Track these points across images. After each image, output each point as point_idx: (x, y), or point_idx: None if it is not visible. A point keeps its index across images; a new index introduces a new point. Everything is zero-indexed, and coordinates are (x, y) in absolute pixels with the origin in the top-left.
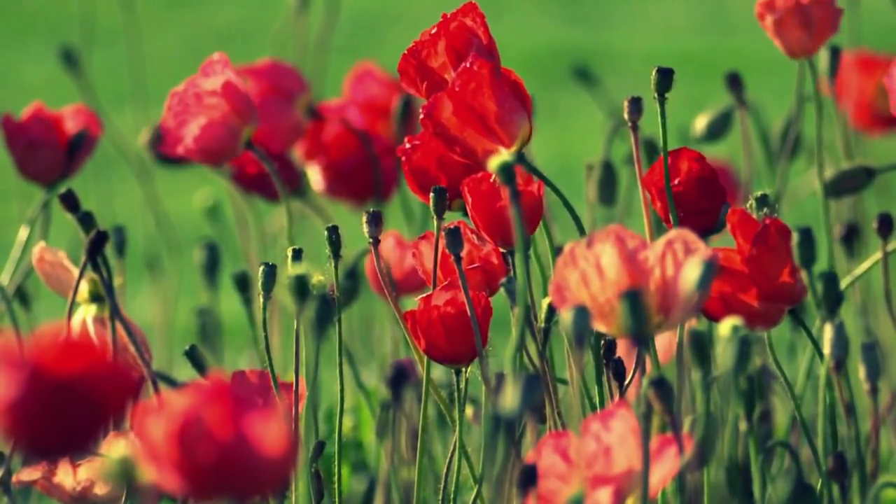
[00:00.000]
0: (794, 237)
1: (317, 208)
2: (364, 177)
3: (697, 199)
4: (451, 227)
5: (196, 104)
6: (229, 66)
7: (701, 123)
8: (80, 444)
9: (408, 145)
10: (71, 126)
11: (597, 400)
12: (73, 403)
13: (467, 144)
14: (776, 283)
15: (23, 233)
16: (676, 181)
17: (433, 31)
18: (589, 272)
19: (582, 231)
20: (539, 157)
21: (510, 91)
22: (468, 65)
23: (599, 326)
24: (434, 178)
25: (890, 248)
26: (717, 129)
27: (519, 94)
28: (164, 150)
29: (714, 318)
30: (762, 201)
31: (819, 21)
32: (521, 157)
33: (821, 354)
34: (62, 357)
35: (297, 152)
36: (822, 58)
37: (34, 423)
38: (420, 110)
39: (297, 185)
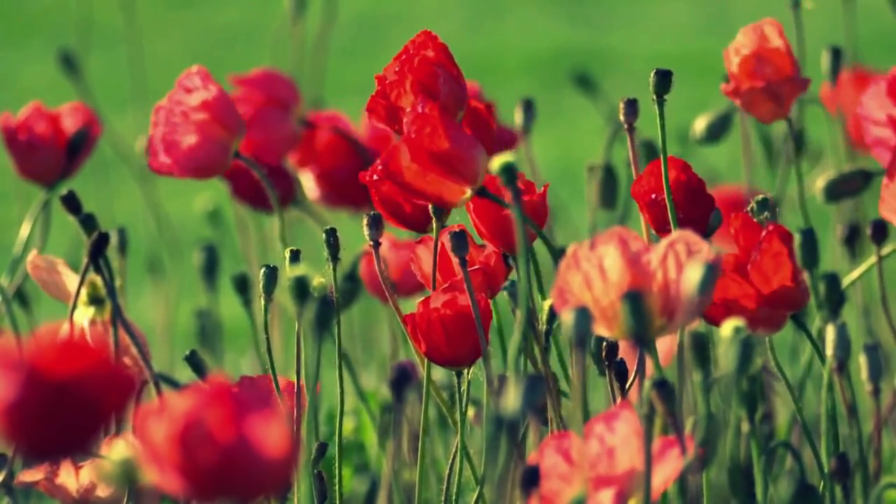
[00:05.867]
0: (796, 239)
1: (314, 214)
2: (358, 184)
3: (686, 208)
4: (456, 230)
5: (183, 122)
6: (211, 79)
7: (700, 125)
8: (78, 446)
9: (375, 177)
10: (69, 124)
11: (595, 403)
12: (70, 405)
13: (429, 191)
14: (778, 288)
15: (23, 233)
16: (664, 192)
17: (397, 68)
18: (592, 274)
19: (554, 253)
20: (541, 159)
21: (461, 128)
22: (419, 109)
23: (601, 330)
24: (404, 207)
25: (885, 252)
26: (717, 131)
27: (479, 118)
28: (153, 167)
29: (716, 323)
30: (762, 205)
31: (787, 93)
32: (483, 191)
33: (822, 358)
34: (60, 358)
35: (290, 161)
36: (824, 59)
37: (32, 425)
38: (376, 164)
39: (293, 195)
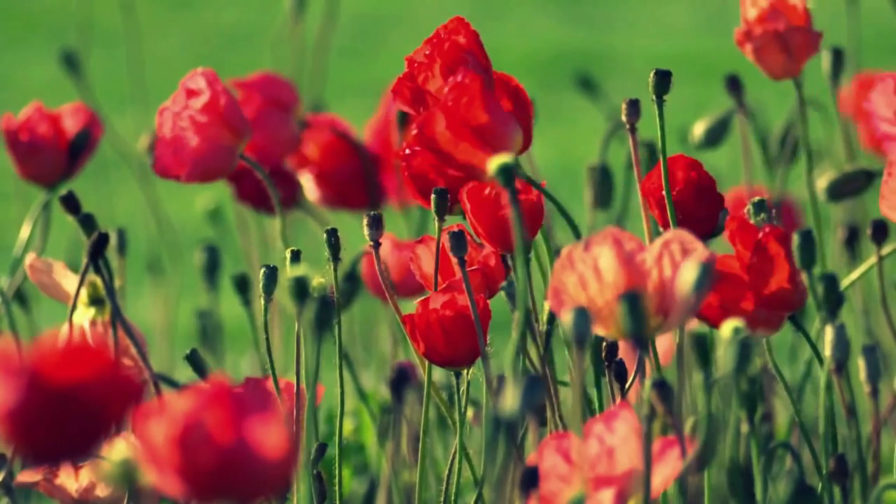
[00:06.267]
0: (795, 239)
1: (315, 215)
2: (357, 184)
3: (695, 207)
4: (455, 229)
5: (190, 125)
6: (217, 81)
7: (699, 130)
8: (81, 451)
9: (407, 151)
10: (70, 125)
11: (596, 404)
12: (73, 410)
13: (462, 159)
14: (775, 290)
15: (23, 234)
16: (675, 190)
17: (427, 51)
18: (587, 275)
19: (578, 236)
20: (541, 160)
21: (501, 102)
22: (459, 78)
23: (598, 329)
24: (433, 183)
25: (885, 252)
26: (716, 135)
27: (520, 100)
28: (159, 171)
29: (714, 325)
30: (759, 207)
31: (798, 45)
32: (517, 164)
33: (820, 360)
34: (62, 363)
35: (290, 163)
36: (824, 59)
37: (34, 430)
38: (412, 127)
39: (296, 197)
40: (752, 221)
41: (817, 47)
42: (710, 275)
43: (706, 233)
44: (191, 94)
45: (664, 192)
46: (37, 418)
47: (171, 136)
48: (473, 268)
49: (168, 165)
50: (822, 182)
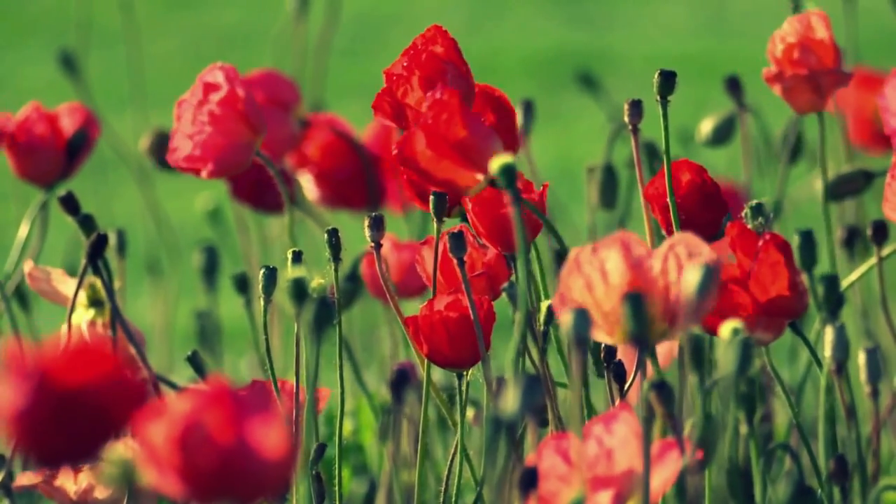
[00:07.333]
0: (796, 240)
1: (314, 215)
2: (357, 184)
3: (699, 212)
4: (455, 230)
5: (209, 119)
6: (236, 76)
7: (706, 128)
8: (88, 453)
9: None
10: (67, 125)
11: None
12: (81, 412)
13: (443, 177)
14: (775, 297)
15: (21, 234)
16: (678, 194)
17: (404, 63)
18: (593, 277)
19: (561, 244)
20: (540, 160)
21: (484, 114)
22: (438, 95)
23: (601, 335)
24: (429, 188)
25: (885, 253)
26: (723, 134)
27: (504, 110)
28: (176, 164)
29: (715, 333)
30: (757, 211)
31: (828, 85)
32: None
33: (819, 363)
34: (70, 366)
35: (289, 162)
36: None
37: (42, 432)
38: (392, 147)
39: (293, 196)
40: (749, 225)
41: (847, 83)
42: (713, 278)
43: (709, 237)
44: (209, 88)
45: (668, 196)
46: (45, 420)
47: (192, 130)
48: (480, 272)
49: (185, 159)
50: (820, 183)
